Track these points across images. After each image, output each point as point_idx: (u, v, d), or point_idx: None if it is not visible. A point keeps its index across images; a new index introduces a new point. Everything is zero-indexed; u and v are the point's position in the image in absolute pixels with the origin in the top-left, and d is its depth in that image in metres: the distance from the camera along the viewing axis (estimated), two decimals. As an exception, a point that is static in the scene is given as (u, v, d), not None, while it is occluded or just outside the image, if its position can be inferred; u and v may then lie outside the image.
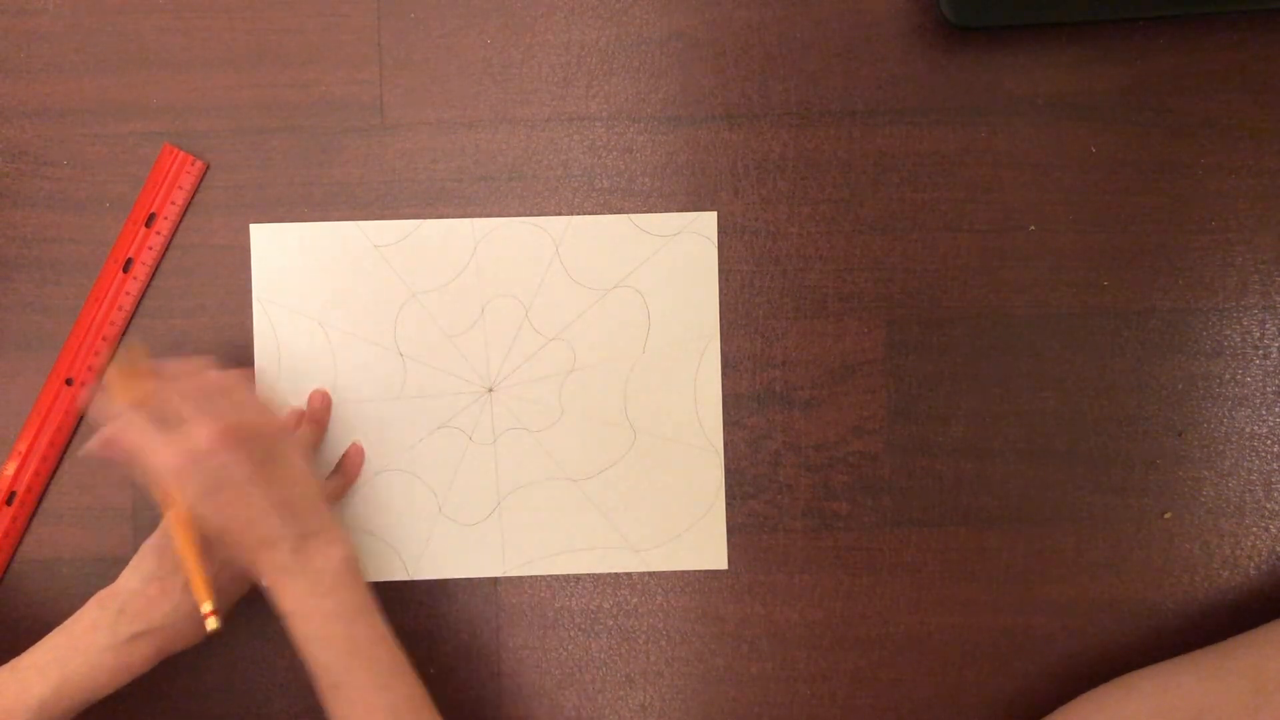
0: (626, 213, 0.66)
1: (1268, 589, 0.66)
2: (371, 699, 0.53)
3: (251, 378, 0.64)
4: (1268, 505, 0.66)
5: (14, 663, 0.54)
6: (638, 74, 0.67)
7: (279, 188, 0.66)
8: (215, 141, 0.66)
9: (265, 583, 0.54)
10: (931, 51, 0.66)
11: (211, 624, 0.55)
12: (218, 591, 0.55)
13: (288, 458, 0.56)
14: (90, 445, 0.55)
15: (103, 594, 0.56)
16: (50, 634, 0.55)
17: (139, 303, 0.66)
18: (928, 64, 0.66)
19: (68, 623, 0.56)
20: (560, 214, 0.66)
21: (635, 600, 0.66)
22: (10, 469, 0.65)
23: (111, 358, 0.58)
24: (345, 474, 0.65)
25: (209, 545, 0.55)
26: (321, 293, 0.66)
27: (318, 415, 0.64)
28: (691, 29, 0.67)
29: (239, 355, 0.66)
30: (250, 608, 0.65)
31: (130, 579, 0.57)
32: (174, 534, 0.55)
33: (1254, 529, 0.66)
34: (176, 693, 0.65)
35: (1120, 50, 0.66)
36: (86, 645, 0.54)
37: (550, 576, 0.66)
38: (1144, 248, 0.66)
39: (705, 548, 0.66)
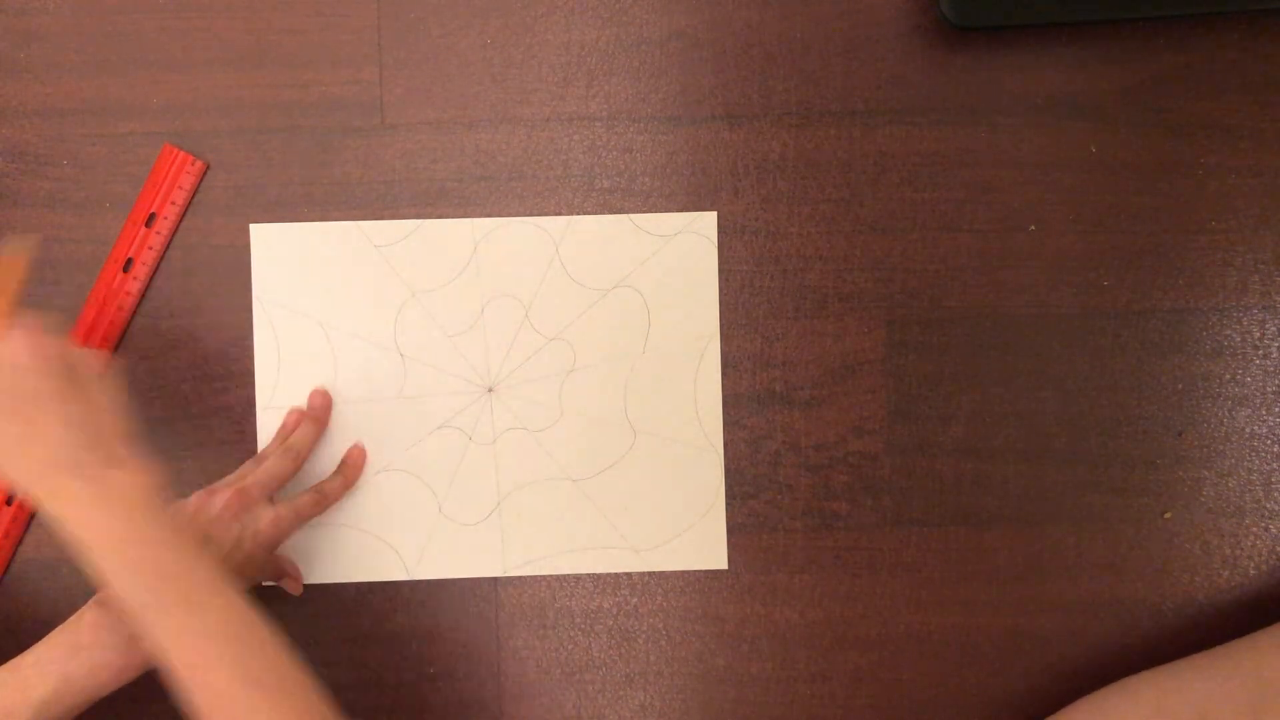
0: (626, 213, 0.66)
1: (1268, 589, 0.66)
2: (183, 620, 0.49)
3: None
4: (1268, 505, 0.66)
5: (14, 662, 0.54)
6: (638, 74, 0.67)
7: (279, 188, 0.66)
8: (215, 141, 0.66)
9: (52, 510, 0.50)
10: (931, 51, 0.66)
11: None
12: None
13: (92, 387, 0.52)
14: None
15: (104, 594, 0.56)
16: (51, 633, 0.55)
17: (139, 303, 0.66)
18: (928, 64, 0.66)
19: (69, 622, 0.55)
20: (560, 214, 0.66)
21: (635, 600, 0.66)
22: (10, 469, 0.64)
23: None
24: (345, 475, 0.65)
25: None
26: (321, 293, 0.66)
27: (318, 414, 0.65)
28: (691, 29, 0.67)
29: (239, 355, 0.66)
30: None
31: None
32: None
33: (1254, 529, 0.66)
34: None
35: (1120, 50, 0.66)
36: (89, 643, 0.54)
37: (550, 576, 0.66)
38: (1144, 248, 0.66)
39: (705, 548, 0.66)
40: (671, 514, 0.66)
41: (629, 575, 0.66)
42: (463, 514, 0.66)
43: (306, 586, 0.65)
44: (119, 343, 0.65)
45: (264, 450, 0.64)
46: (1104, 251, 0.66)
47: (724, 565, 0.66)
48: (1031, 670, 0.66)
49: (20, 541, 0.65)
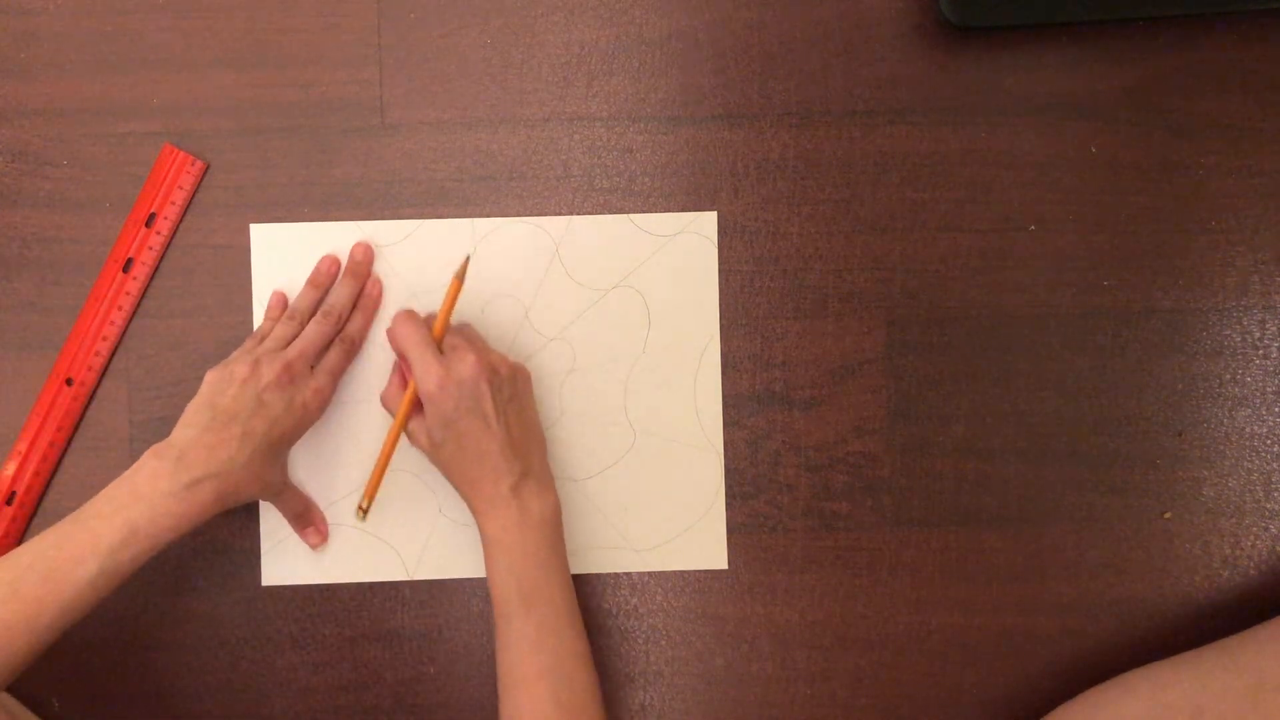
0: (626, 213, 0.66)
1: (1268, 589, 0.66)
2: (542, 639, 0.57)
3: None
4: (1268, 505, 0.66)
5: (76, 514, 0.55)
6: (638, 74, 0.67)
7: (279, 188, 0.66)
8: (215, 141, 0.66)
9: (475, 507, 0.60)
10: (931, 51, 0.66)
11: (360, 517, 0.62)
12: (262, 488, 0.59)
13: (524, 401, 0.62)
14: (389, 330, 0.61)
15: (158, 446, 0.57)
16: (108, 487, 0.56)
17: (139, 303, 0.66)
18: (928, 64, 0.66)
19: (125, 474, 0.56)
20: (560, 214, 0.66)
21: (635, 600, 0.66)
22: (10, 469, 0.65)
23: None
24: (365, 311, 0.65)
25: (273, 459, 0.59)
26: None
27: (358, 268, 0.65)
28: (691, 29, 0.67)
29: (239, 355, 0.66)
30: (250, 608, 0.65)
31: (185, 432, 0.57)
32: (392, 430, 0.61)
33: (1254, 529, 0.66)
34: (176, 693, 0.65)
35: (1120, 50, 0.66)
36: (149, 492, 0.55)
37: (550, 576, 0.66)
38: (1144, 248, 0.66)
39: (705, 548, 0.66)
40: (671, 514, 0.66)
41: (629, 575, 0.66)
42: (463, 514, 0.66)
43: (307, 586, 0.65)
44: (119, 343, 0.65)
45: (294, 304, 0.64)
46: (1104, 251, 0.66)
47: (724, 565, 0.66)
48: (1031, 670, 0.66)
49: (20, 541, 0.65)
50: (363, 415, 0.65)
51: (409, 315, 0.61)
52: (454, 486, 0.61)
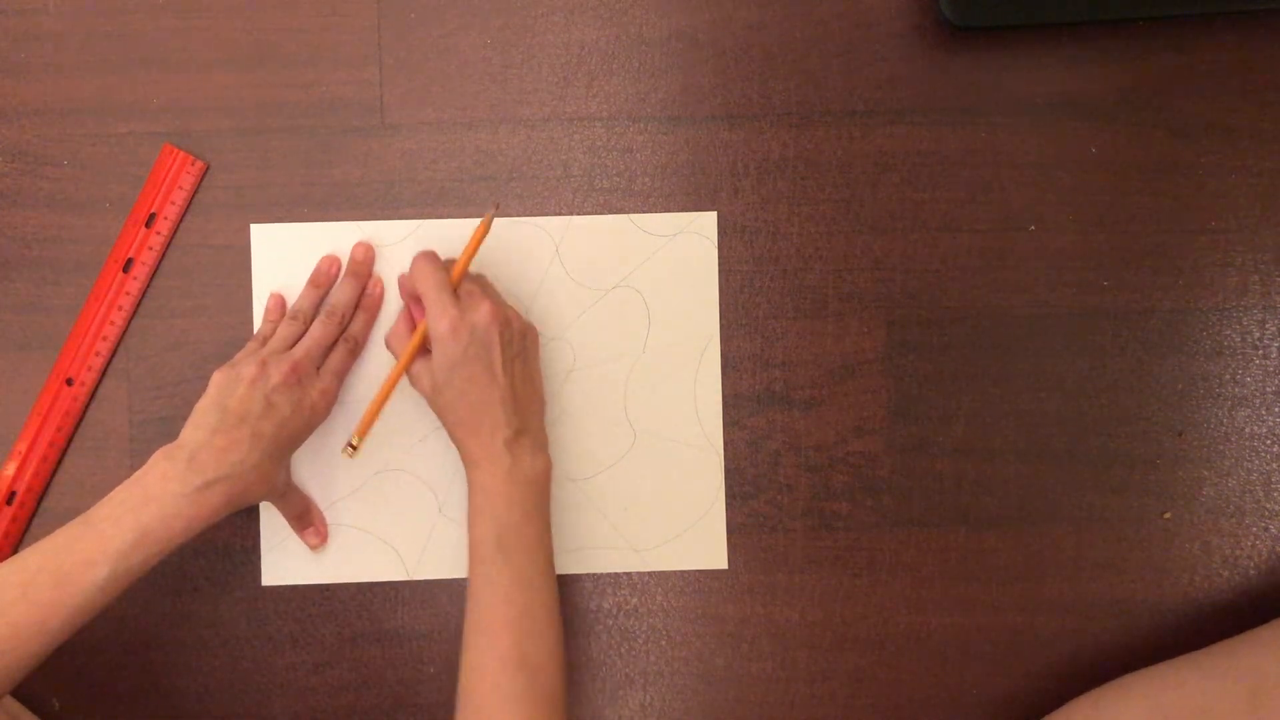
0: (626, 213, 0.66)
1: (1268, 589, 0.66)
2: (513, 591, 0.57)
3: None
4: (1268, 505, 0.66)
5: (87, 515, 0.55)
6: (638, 74, 0.67)
7: (279, 188, 0.66)
8: (215, 141, 0.66)
9: (467, 455, 0.59)
10: (931, 51, 0.66)
11: (348, 452, 0.62)
12: (269, 490, 0.59)
13: (531, 359, 0.62)
14: (402, 276, 0.63)
15: (168, 448, 0.57)
16: (118, 488, 0.56)
17: (139, 303, 0.66)
18: (928, 64, 0.66)
19: (135, 476, 0.56)
20: (560, 214, 0.66)
21: (635, 600, 0.66)
22: (10, 469, 0.65)
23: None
24: (368, 310, 0.65)
25: (280, 460, 0.60)
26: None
27: (358, 268, 0.65)
28: (691, 29, 0.67)
29: (239, 355, 0.66)
30: (250, 608, 0.65)
31: (194, 433, 0.57)
32: (395, 369, 0.62)
33: (1254, 529, 0.66)
34: (177, 693, 0.65)
35: (1120, 50, 0.66)
36: (159, 494, 0.55)
37: (550, 576, 0.66)
38: (1144, 248, 0.66)
39: (705, 548, 0.66)
40: (671, 514, 0.66)
41: (629, 575, 0.66)
42: (463, 514, 0.66)
43: (307, 586, 0.65)
44: (119, 343, 0.65)
45: (295, 305, 0.64)
46: (1104, 251, 0.66)
47: (724, 565, 0.66)
48: (1031, 670, 0.66)
49: (20, 541, 0.65)
50: (362, 415, 0.65)
51: (430, 256, 0.61)
52: (448, 432, 0.61)
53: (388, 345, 0.64)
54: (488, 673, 0.56)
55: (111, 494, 0.56)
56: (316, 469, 0.65)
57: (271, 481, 0.59)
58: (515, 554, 0.58)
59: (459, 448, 0.60)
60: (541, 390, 0.63)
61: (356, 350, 0.64)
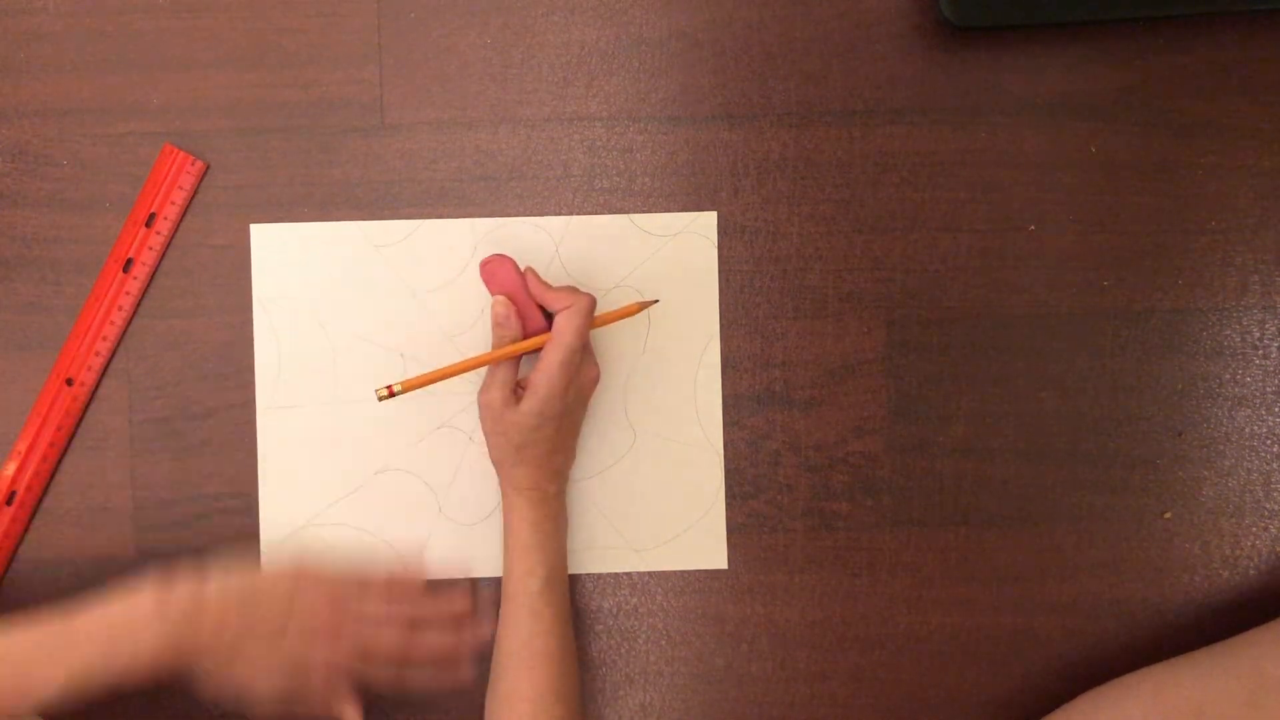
0: (626, 213, 0.66)
1: (1268, 589, 0.66)
2: (541, 639, 0.59)
3: None
4: (1268, 505, 0.66)
5: (67, 621, 0.53)
6: (638, 74, 0.67)
7: (279, 188, 0.66)
8: (215, 141, 0.66)
9: (525, 488, 0.61)
10: (931, 51, 0.66)
11: (383, 394, 0.60)
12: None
13: (579, 409, 0.63)
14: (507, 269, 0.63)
15: (163, 593, 0.54)
16: (111, 600, 0.54)
17: (139, 303, 0.66)
18: (928, 64, 0.66)
19: (130, 596, 0.54)
20: (560, 214, 0.66)
21: (635, 600, 0.66)
22: (10, 469, 0.65)
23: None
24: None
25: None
26: (321, 293, 0.66)
27: (460, 615, 0.61)
28: (691, 29, 0.67)
29: (239, 355, 0.66)
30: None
31: (204, 598, 0.54)
32: (489, 355, 0.62)
33: (1254, 529, 0.66)
34: (176, 692, 0.65)
35: (1120, 50, 0.66)
36: (141, 627, 0.53)
37: (550, 576, 0.66)
38: (1144, 248, 0.66)
39: (705, 548, 0.66)
40: (671, 514, 0.66)
41: (629, 575, 0.66)
42: (463, 514, 0.66)
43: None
44: (119, 343, 0.66)
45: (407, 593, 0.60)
46: (1104, 251, 0.66)
47: (724, 565, 0.66)
48: (1031, 670, 0.66)
49: (20, 541, 0.65)
50: (363, 415, 0.65)
51: (590, 304, 0.61)
52: (513, 461, 0.61)
53: (496, 318, 0.62)
54: (524, 702, 0.58)
55: (105, 602, 0.53)
56: (317, 469, 0.65)
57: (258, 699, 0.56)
58: (557, 595, 0.61)
59: (513, 477, 0.61)
60: (574, 444, 0.65)
61: (388, 682, 0.59)
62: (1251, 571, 0.66)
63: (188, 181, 0.65)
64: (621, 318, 0.63)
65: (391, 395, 0.60)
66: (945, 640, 0.66)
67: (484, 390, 0.62)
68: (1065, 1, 0.64)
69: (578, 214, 0.66)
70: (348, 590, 0.57)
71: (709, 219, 0.66)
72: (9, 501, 0.65)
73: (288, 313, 0.66)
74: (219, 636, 0.54)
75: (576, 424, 0.63)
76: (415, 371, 0.65)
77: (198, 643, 0.54)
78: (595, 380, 0.63)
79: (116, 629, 0.53)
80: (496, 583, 0.66)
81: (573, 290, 0.61)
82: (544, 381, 0.59)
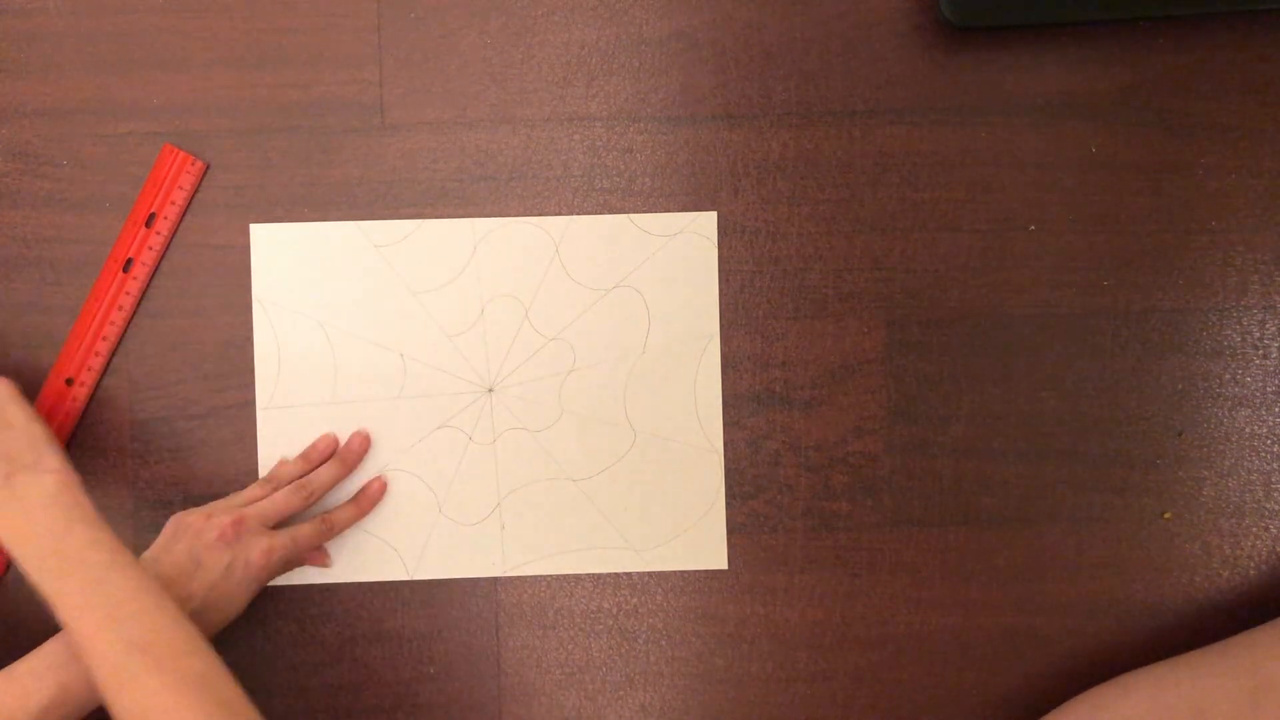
0: (626, 213, 0.66)
1: (1268, 589, 0.66)
2: (88, 596, 0.52)
3: None
4: (1268, 505, 0.66)
5: (9, 670, 0.54)
6: (638, 74, 0.67)
7: (279, 188, 0.66)
8: (215, 141, 0.66)
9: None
10: (931, 51, 0.66)
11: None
12: (218, 626, 0.58)
13: (6, 410, 0.58)
14: None
15: None
16: (47, 642, 0.55)
17: (139, 303, 0.66)
18: (928, 64, 0.66)
19: (64, 631, 0.54)
20: (560, 214, 0.66)
21: (635, 600, 0.66)
22: (10, 469, 0.64)
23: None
24: (359, 505, 0.65)
25: (219, 615, 0.58)
26: (321, 293, 0.66)
27: (347, 456, 0.64)
28: (691, 29, 0.67)
29: (239, 355, 0.66)
30: (250, 608, 0.65)
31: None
32: None
33: (1254, 529, 0.66)
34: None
35: (1120, 50, 0.66)
36: None
37: (550, 576, 0.66)
38: (1144, 248, 0.66)
39: (705, 548, 0.66)
40: (671, 514, 0.66)
41: (629, 575, 0.66)
42: (463, 514, 0.66)
43: (307, 586, 0.65)
44: (119, 343, 0.66)
45: (274, 470, 0.64)
46: (1104, 251, 0.66)
47: (724, 565, 0.66)
48: (1031, 670, 0.66)
49: (20, 541, 0.65)
50: (363, 415, 0.65)
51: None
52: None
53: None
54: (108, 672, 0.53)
55: (41, 646, 0.54)
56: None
57: (216, 627, 0.58)
58: (69, 577, 0.54)
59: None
60: (29, 429, 0.58)
61: (328, 534, 0.63)
62: (1251, 571, 0.66)
63: (188, 181, 0.65)
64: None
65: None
66: (945, 640, 0.66)
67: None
68: (1065, 1, 0.64)
69: (578, 214, 0.66)
70: (215, 505, 0.61)
71: (709, 219, 0.66)
72: (9, 501, 0.64)
73: (287, 313, 0.66)
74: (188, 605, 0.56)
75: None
76: (415, 372, 0.65)
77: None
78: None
79: (64, 660, 0.53)
80: (497, 583, 0.66)
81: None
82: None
